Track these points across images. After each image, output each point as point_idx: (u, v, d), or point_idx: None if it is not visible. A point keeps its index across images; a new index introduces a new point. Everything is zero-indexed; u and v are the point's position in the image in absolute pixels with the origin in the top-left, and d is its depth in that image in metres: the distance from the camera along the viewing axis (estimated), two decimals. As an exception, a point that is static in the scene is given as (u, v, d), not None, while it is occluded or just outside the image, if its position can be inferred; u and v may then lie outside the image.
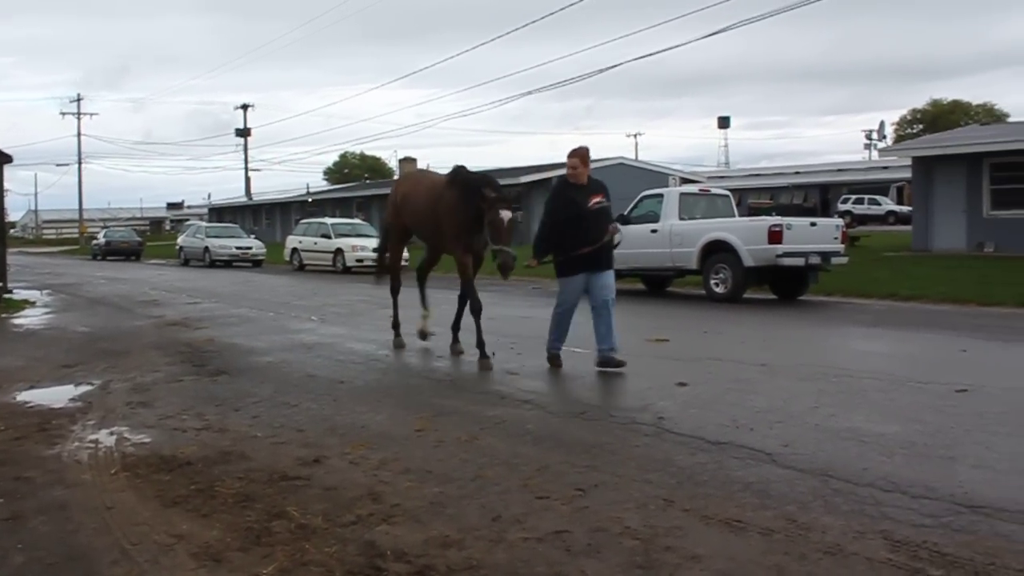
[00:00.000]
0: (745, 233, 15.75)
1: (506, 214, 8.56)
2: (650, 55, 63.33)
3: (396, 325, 10.66)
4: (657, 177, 36.51)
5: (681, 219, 16.91)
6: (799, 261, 15.27)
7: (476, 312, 9.18)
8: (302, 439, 6.09)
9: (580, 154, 8.52)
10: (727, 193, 18.58)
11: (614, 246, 8.69)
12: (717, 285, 15.81)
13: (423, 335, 10.46)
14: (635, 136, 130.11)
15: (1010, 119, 56.69)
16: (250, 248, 36.44)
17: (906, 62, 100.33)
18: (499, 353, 9.24)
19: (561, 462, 5.37)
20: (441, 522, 4.39)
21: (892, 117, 70.83)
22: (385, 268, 11.34)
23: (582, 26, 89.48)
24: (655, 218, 17.13)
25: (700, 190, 19.48)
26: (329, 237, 30.53)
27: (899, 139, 57.33)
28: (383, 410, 6.94)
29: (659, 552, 3.96)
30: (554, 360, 8.61)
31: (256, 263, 35.67)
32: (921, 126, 68.37)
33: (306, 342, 11.03)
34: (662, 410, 6.60)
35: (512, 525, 4.32)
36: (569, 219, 8.34)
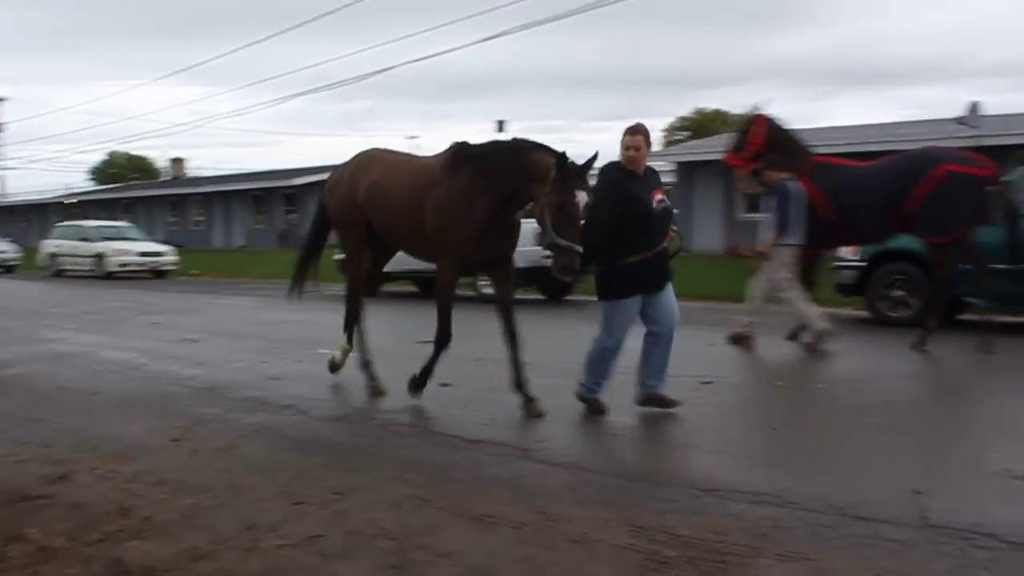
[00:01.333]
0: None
1: (582, 196, 5.94)
2: (428, 57, 63.90)
3: (367, 364, 7.73)
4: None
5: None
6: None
7: (442, 343, 6.87)
8: (48, 455, 5.75)
9: (644, 132, 6.38)
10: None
11: (675, 254, 6.72)
12: (488, 286, 16.05)
13: (336, 367, 8.04)
14: (414, 139, 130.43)
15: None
16: (3, 252, 34.02)
17: (676, 71, 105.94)
18: (261, 358, 9.05)
19: (320, 467, 5.34)
20: (193, 534, 4.27)
21: (662, 124, 74.19)
22: (302, 281, 8.44)
23: (363, 26, 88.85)
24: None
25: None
26: (90, 240, 28.84)
27: (667, 145, 60.20)
28: (139, 421, 6.66)
29: (412, 551, 4.02)
30: (594, 405, 6.58)
31: (9, 268, 33.33)
32: (688, 133, 71.99)
33: (59, 351, 10.40)
34: (424, 411, 6.69)
35: (267, 533, 4.26)
36: (633, 221, 6.25)
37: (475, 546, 4.07)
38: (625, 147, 6.33)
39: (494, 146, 6.62)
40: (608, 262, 6.27)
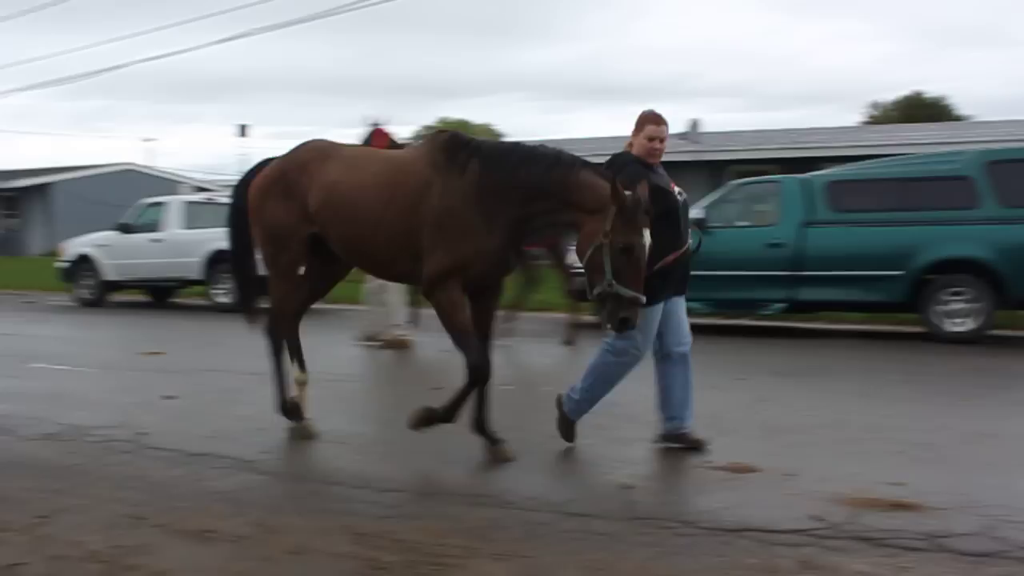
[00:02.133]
0: (249, 243, 15.75)
1: (647, 235, 4.99)
2: (166, 56, 61.12)
3: (291, 408, 6.19)
4: (170, 185, 35.33)
5: (185, 228, 16.58)
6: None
7: (477, 375, 5.40)
8: None
9: (667, 122, 5.67)
10: (234, 202, 18.46)
11: (695, 251, 5.89)
12: (226, 295, 15.65)
13: (292, 410, 6.18)
14: (149, 142, 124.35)
15: (506, 138, 62.41)
16: None
17: (422, 81, 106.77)
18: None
19: (25, 489, 4.99)
20: None
21: (407, 132, 74.57)
22: (253, 305, 6.64)
23: (96, 19, 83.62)
24: (157, 227, 16.79)
25: (207, 199, 19.14)
26: None
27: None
28: None
29: (123, 572, 3.85)
30: (570, 430, 5.86)
31: None
32: (425, 142, 72.76)
33: None
34: (144, 425, 6.38)
35: (-45, 566, 3.95)
36: (667, 217, 5.43)
37: (191, 563, 3.95)
38: (649, 137, 5.57)
39: (515, 148, 5.48)
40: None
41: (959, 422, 6.57)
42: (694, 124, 20.37)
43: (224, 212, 17.00)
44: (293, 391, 6.15)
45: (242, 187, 6.28)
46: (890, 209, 11.28)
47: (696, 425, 5.67)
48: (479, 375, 5.37)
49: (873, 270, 11.13)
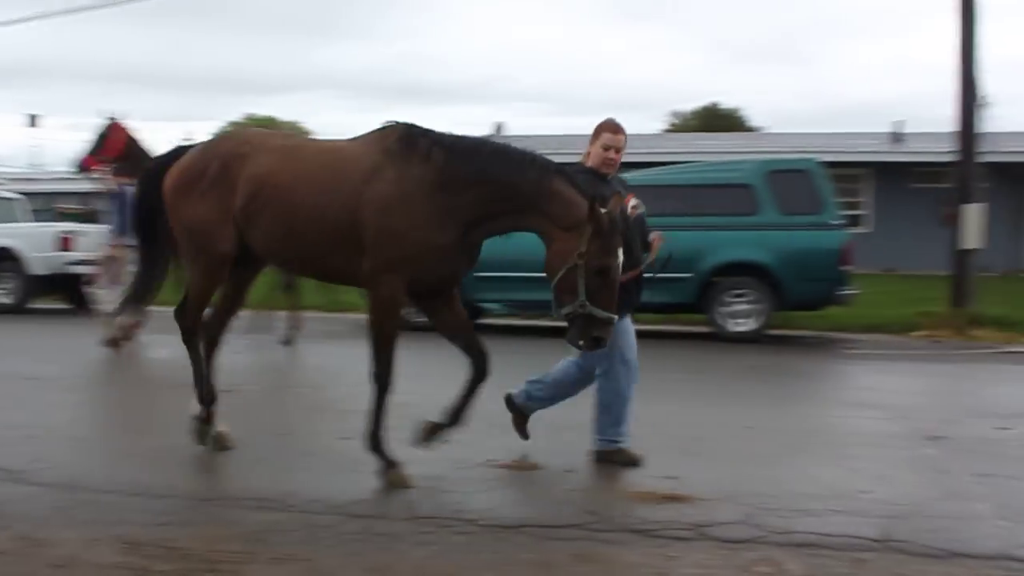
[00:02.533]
0: (31, 240, 15.13)
1: (621, 256, 4.88)
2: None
3: (207, 416, 5.71)
4: (-55, 176, 32.92)
5: (-37, 223, 15.55)
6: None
7: (386, 385, 5.10)
8: None
9: (625, 131, 5.53)
10: (18, 196, 17.48)
11: (666, 264, 5.76)
12: (5, 295, 14.87)
13: (216, 440, 5.70)
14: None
15: (313, 135, 61.56)
16: None
17: (229, 75, 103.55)
18: None
19: None
20: None
21: (212, 128, 72.24)
22: (135, 307, 6.34)
23: None
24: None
25: (-11, 192, 18.00)
26: None
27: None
28: None
29: None
30: (628, 456, 5.54)
31: None
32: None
33: None
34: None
35: None
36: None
37: (-59, 582, 3.73)
38: (605, 146, 5.43)
39: (485, 142, 5.31)
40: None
41: (731, 417, 6.97)
42: (498, 127, 20.72)
43: (8, 207, 16.43)
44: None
45: (153, 177, 5.77)
46: (679, 214, 11.80)
47: (478, 425, 5.68)
48: (388, 383, 5.09)
49: (664, 272, 11.59)
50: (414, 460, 5.51)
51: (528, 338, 11.87)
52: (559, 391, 5.76)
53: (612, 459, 5.52)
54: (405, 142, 5.02)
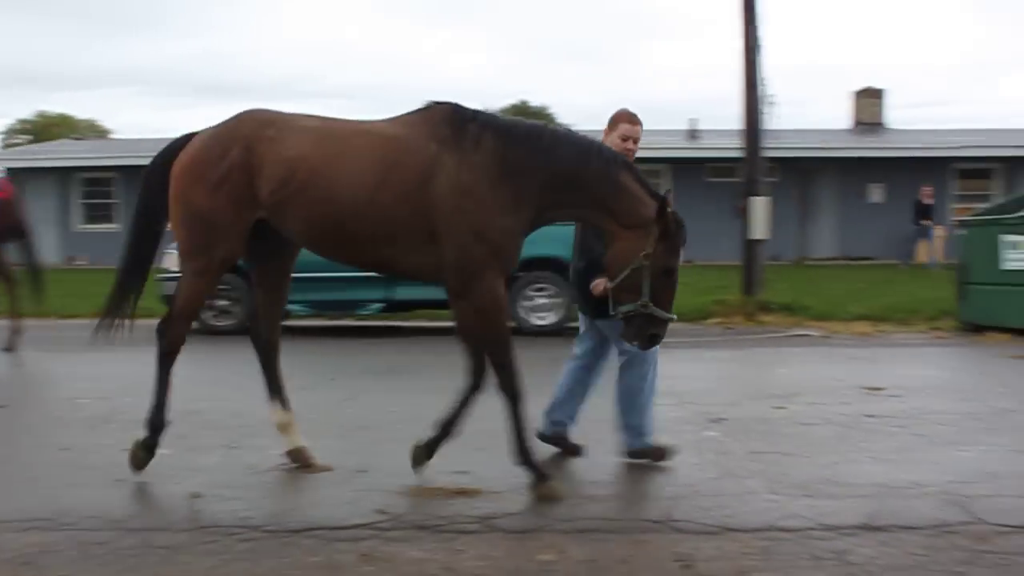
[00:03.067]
0: None
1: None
2: None
3: (158, 425, 5.19)
4: None
5: None
6: None
7: (515, 399, 4.86)
8: None
9: (641, 122, 5.47)
10: None
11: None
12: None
13: (300, 457, 5.40)
14: None
15: (113, 135, 58.76)
16: None
17: (16, 69, 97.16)
18: None
19: None
20: None
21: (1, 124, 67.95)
22: (121, 310, 5.39)
23: None
24: None
25: None
26: None
27: (5, 148, 55.30)
28: None
29: None
30: (660, 451, 5.50)
31: None
32: (30, 137, 66.98)
33: None
34: None
35: None
36: None
37: None
38: (623, 137, 5.35)
39: (543, 127, 4.93)
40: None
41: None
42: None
43: None
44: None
45: (157, 169, 5.18)
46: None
47: (269, 430, 5.55)
48: (517, 395, 4.83)
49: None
50: (200, 469, 5.37)
51: (330, 339, 11.78)
52: (578, 391, 5.76)
53: (647, 455, 5.51)
54: (456, 127, 4.73)
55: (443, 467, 5.23)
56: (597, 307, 5.24)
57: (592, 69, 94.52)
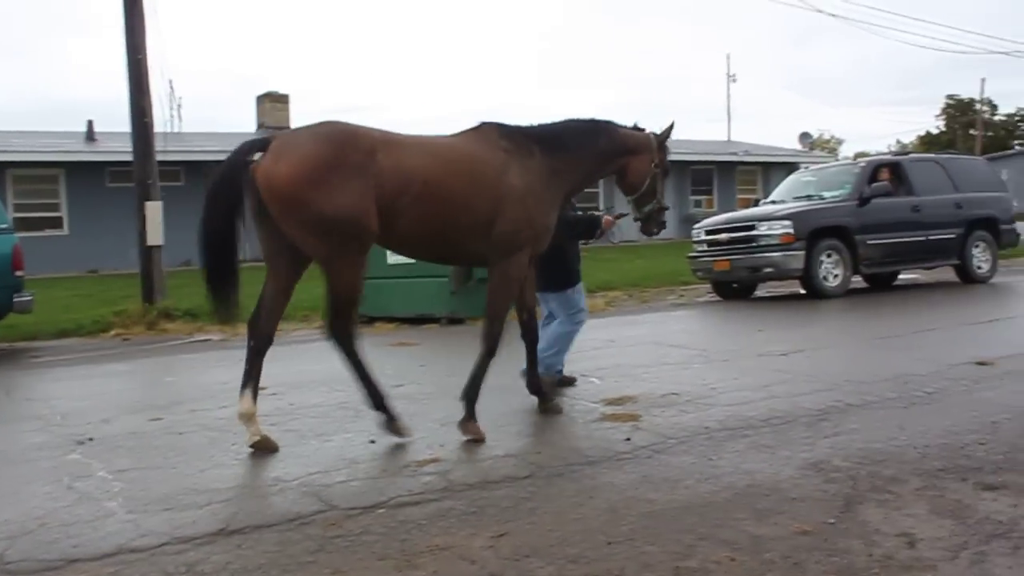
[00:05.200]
0: None
1: None
2: None
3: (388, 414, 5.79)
4: None
5: None
6: None
7: (491, 352, 5.92)
8: None
9: None
10: None
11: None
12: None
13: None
14: None
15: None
16: None
17: None
18: None
19: None
20: None
21: None
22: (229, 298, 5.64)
23: None
24: None
25: None
26: None
27: None
28: None
29: None
30: (569, 379, 7.42)
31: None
32: None
33: None
34: None
35: None
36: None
37: None
38: None
39: (566, 126, 6.19)
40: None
41: None
42: None
43: None
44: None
45: (235, 173, 5.52)
46: None
47: None
48: (494, 350, 5.91)
49: None
50: None
51: None
52: (565, 342, 7.15)
53: (567, 383, 7.30)
54: (510, 139, 5.90)
55: None
56: (547, 281, 6.91)
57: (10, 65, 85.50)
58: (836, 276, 14.37)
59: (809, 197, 15.75)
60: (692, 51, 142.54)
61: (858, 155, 45.46)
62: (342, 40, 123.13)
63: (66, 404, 7.55)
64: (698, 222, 17.48)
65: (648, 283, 18.77)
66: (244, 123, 52.90)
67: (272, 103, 32.98)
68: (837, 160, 34.74)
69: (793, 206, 15.27)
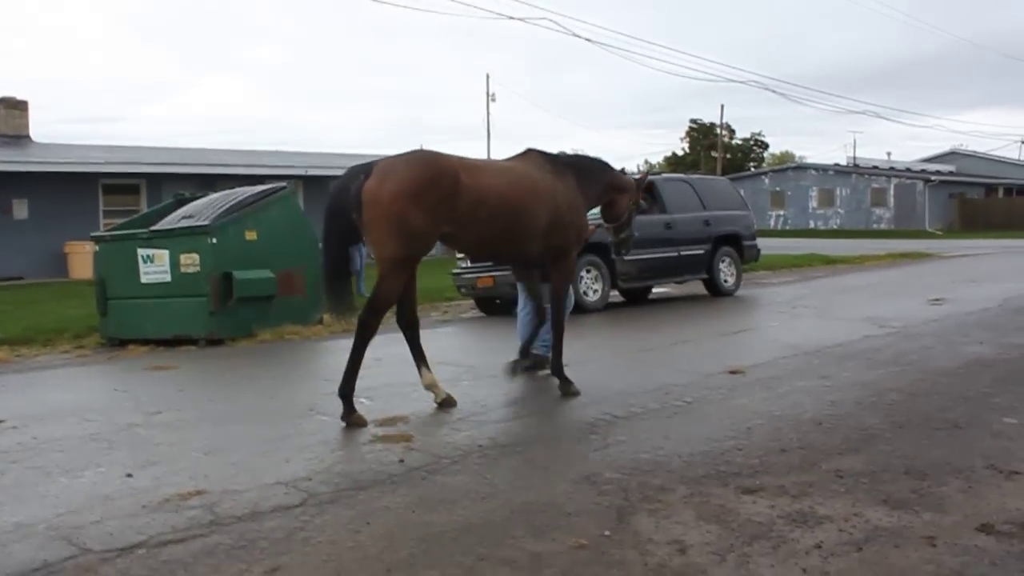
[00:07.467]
0: None
1: None
2: None
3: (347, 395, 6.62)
4: None
5: None
6: None
7: (560, 329, 7.78)
8: None
9: None
10: None
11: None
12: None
13: (446, 399, 7.03)
14: None
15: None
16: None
17: None
18: None
19: None
20: None
21: None
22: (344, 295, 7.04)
23: None
24: None
25: None
26: None
27: None
28: None
29: None
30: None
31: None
32: None
33: None
34: None
35: None
36: None
37: None
38: None
39: (584, 159, 8.25)
40: None
41: None
42: None
43: None
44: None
45: (349, 193, 6.52)
46: None
47: None
48: (563, 326, 7.72)
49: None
50: None
51: None
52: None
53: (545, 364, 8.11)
54: (552, 164, 7.54)
55: None
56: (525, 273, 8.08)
57: None
58: (596, 291, 14.71)
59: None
60: (457, 71, 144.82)
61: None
62: (82, 51, 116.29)
63: None
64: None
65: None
66: None
67: (9, 109, 30.52)
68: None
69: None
